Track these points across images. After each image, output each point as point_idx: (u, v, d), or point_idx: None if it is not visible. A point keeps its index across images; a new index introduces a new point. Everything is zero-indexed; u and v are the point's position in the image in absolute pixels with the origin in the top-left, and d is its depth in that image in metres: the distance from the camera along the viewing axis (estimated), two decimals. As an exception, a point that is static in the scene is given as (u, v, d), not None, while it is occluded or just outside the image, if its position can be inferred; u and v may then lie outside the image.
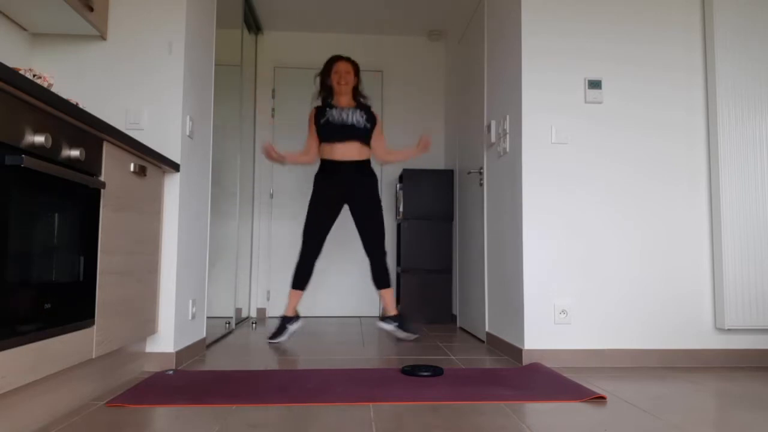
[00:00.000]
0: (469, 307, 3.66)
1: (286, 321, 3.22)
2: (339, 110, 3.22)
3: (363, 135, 3.22)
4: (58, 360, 1.52)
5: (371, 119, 3.27)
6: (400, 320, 3.23)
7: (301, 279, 3.21)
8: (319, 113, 3.27)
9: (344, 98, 3.28)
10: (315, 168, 3.35)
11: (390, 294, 3.27)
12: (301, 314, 4.45)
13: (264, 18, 4.41)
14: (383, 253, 3.23)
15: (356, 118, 3.21)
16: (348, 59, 3.31)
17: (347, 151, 3.19)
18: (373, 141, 3.33)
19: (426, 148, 3.29)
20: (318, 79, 3.36)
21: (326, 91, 3.31)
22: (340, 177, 3.20)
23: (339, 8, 4.24)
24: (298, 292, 3.23)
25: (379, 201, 3.25)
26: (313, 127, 3.30)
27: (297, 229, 4.51)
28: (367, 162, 3.26)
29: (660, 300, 2.62)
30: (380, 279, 3.24)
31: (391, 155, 3.44)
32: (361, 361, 2.58)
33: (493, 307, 3.07)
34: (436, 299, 4.15)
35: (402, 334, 3.21)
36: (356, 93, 3.32)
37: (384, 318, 3.28)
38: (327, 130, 3.20)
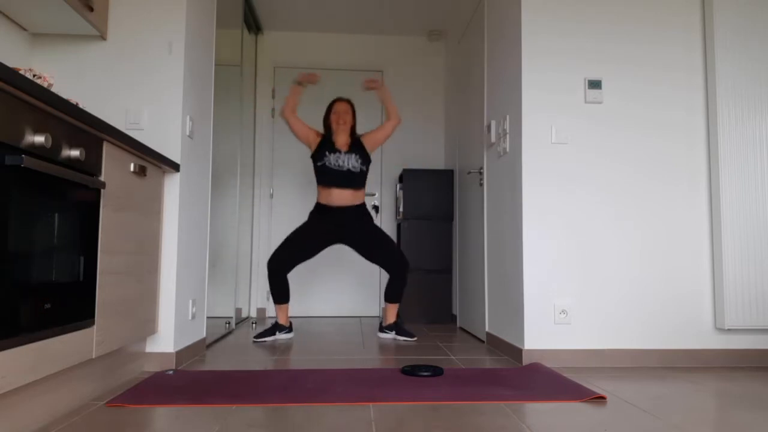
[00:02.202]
0: (469, 307, 3.66)
1: (277, 328, 3.30)
2: (336, 156, 3.33)
3: (358, 180, 3.37)
4: (58, 360, 1.52)
5: (365, 160, 3.40)
6: (396, 327, 3.37)
7: (279, 294, 3.30)
8: (317, 153, 3.37)
9: (342, 138, 3.41)
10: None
11: (393, 309, 3.43)
12: (301, 315, 4.47)
13: (264, 18, 4.41)
14: (404, 267, 3.37)
15: (352, 163, 3.34)
16: (347, 100, 3.48)
17: (342, 198, 3.34)
18: (381, 131, 3.44)
19: (370, 85, 3.40)
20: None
21: (327, 130, 3.47)
22: (336, 221, 3.35)
23: (339, 8, 4.24)
24: (283, 305, 3.33)
25: (377, 228, 3.39)
26: (310, 134, 3.41)
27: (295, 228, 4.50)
28: (361, 205, 3.41)
29: (660, 300, 2.62)
30: (392, 293, 3.40)
31: (388, 121, 3.44)
32: (361, 361, 2.58)
33: (493, 307, 3.07)
34: (436, 299, 4.15)
35: (402, 340, 3.30)
36: (353, 131, 3.46)
37: (382, 329, 3.43)
38: (324, 174, 3.34)
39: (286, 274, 3.29)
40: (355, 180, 3.34)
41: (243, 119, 3.95)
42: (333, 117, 3.41)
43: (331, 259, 4.54)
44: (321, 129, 3.52)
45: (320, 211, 3.38)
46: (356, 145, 3.40)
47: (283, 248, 3.28)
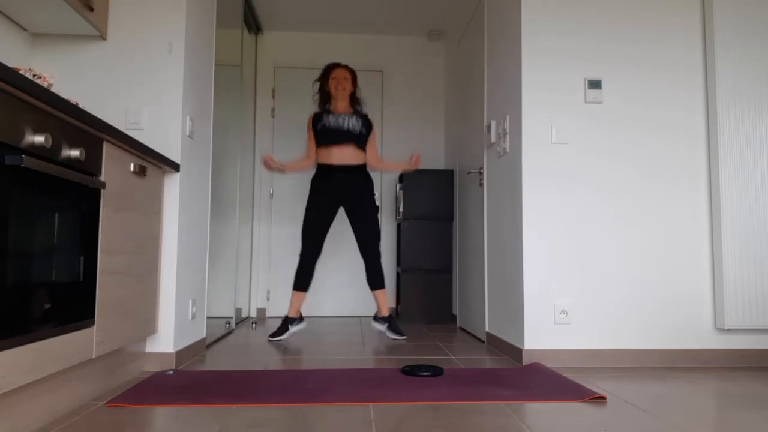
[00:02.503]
0: (469, 307, 3.66)
1: (288, 321, 3.27)
2: (335, 116, 3.29)
3: (358, 140, 3.29)
4: (58, 360, 1.52)
5: (367, 125, 3.35)
6: (390, 321, 3.36)
7: (302, 280, 3.26)
8: (316, 119, 3.35)
9: (341, 104, 3.34)
10: (314, 131, 3.37)
11: (383, 295, 3.37)
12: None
13: (264, 18, 4.41)
14: (377, 255, 3.31)
15: (352, 123, 3.28)
16: (346, 66, 3.38)
17: (343, 156, 3.27)
18: (367, 148, 3.39)
19: (416, 165, 3.34)
20: (316, 85, 3.43)
21: (324, 97, 3.38)
22: (336, 181, 3.28)
23: (339, 8, 4.24)
24: (301, 293, 3.28)
25: (372, 204, 3.31)
26: (312, 132, 3.38)
27: (297, 229, 4.51)
28: (362, 166, 3.34)
29: (660, 300, 2.62)
30: (374, 280, 3.34)
31: (381, 164, 3.50)
32: (361, 361, 2.58)
33: (493, 307, 3.07)
34: (436, 299, 4.15)
35: (392, 335, 3.31)
36: (353, 99, 3.39)
37: (376, 318, 3.42)
38: (323, 134, 3.28)
39: (317, 258, 3.25)
40: (356, 139, 3.27)
41: (243, 119, 3.95)
42: (332, 83, 3.32)
43: (331, 259, 4.54)
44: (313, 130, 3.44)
45: (321, 172, 3.31)
46: (358, 114, 3.34)
47: (305, 237, 3.23)
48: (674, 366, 2.58)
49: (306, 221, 3.27)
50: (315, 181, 3.33)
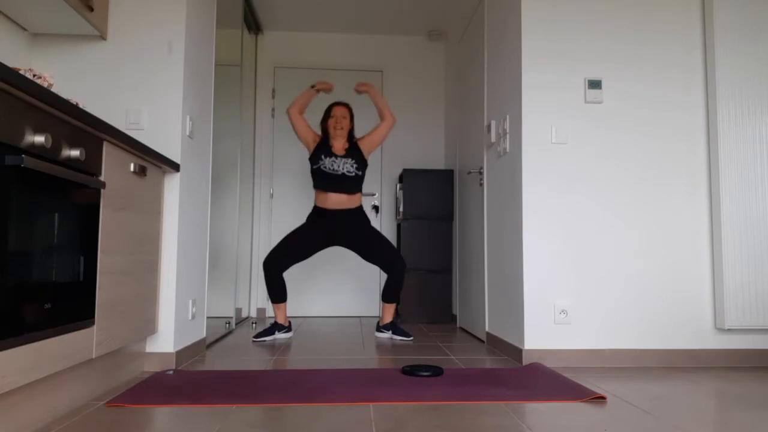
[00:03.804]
0: (469, 307, 3.66)
1: (277, 327, 3.32)
2: (332, 159, 3.36)
3: (353, 185, 3.39)
4: (58, 360, 1.52)
5: (361, 164, 3.42)
6: (392, 327, 3.39)
7: (277, 293, 3.32)
8: (316, 149, 3.41)
9: (338, 142, 3.44)
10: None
11: (390, 308, 3.45)
12: (301, 315, 4.47)
13: (264, 18, 4.41)
14: (402, 268, 3.37)
15: (347, 167, 3.37)
16: (345, 104, 3.51)
17: (339, 201, 3.37)
18: (377, 133, 3.49)
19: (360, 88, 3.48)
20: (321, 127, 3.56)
21: (324, 133, 3.49)
22: (333, 224, 3.38)
23: (339, 8, 4.24)
24: (281, 305, 3.35)
25: (374, 230, 3.41)
26: (309, 135, 3.45)
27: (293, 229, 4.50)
28: (357, 209, 3.43)
29: (660, 300, 2.62)
30: (389, 294, 3.42)
31: (384, 106, 3.50)
32: (361, 361, 2.58)
33: (493, 306, 3.07)
34: (436, 299, 4.15)
35: (398, 339, 3.32)
36: (350, 135, 3.49)
37: (379, 328, 3.45)
38: (319, 178, 3.37)
39: (281, 273, 3.30)
40: (350, 184, 3.37)
41: (243, 119, 3.95)
42: (331, 121, 3.44)
43: (331, 259, 4.54)
44: (319, 131, 3.54)
45: (317, 213, 3.41)
46: (353, 150, 3.42)
47: (279, 248, 3.30)
48: (674, 366, 2.58)
49: (291, 239, 3.32)
50: (312, 217, 3.42)
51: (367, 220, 3.45)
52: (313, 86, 3.47)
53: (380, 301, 3.41)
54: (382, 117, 3.49)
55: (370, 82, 3.54)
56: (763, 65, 2.66)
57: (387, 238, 3.41)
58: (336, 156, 3.37)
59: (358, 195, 3.44)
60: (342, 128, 3.41)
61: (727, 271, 2.56)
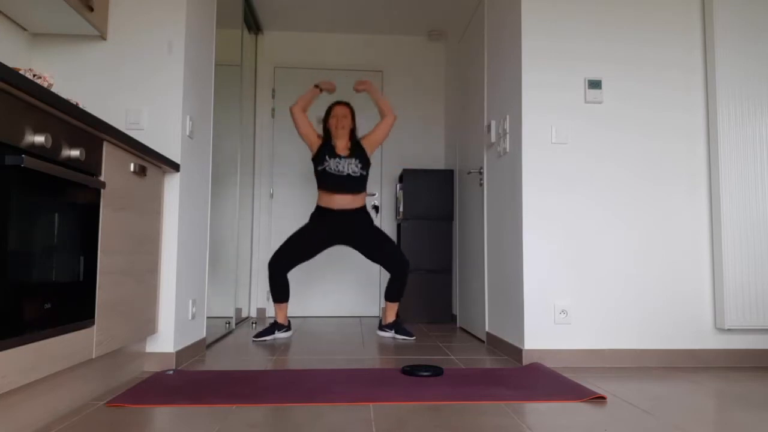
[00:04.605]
0: (469, 307, 3.66)
1: (276, 327, 3.32)
2: (336, 161, 3.36)
3: (358, 185, 3.39)
4: (58, 360, 1.52)
5: (365, 164, 3.42)
6: (395, 326, 3.40)
7: (280, 293, 3.32)
8: (320, 150, 3.40)
9: (341, 142, 3.43)
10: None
11: (393, 308, 3.46)
12: (301, 315, 4.47)
13: (264, 18, 4.41)
14: (405, 267, 3.38)
15: (352, 168, 3.37)
16: (346, 104, 3.50)
17: (343, 202, 3.37)
18: (379, 131, 3.49)
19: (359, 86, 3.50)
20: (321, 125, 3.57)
21: (326, 133, 3.48)
22: (337, 224, 3.38)
23: (339, 8, 4.24)
24: (282, 305, 3.35)
25: (377, 229, 3.42)
26: (312, 135, 3.44)
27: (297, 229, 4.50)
28: (361, 208, 3.43)
29: (660, 300, 2.62)
30: (392, 293, 3.43)
31: (383, 104, 3.50)
32: (361, 361, 2.58)
33: (493, 306, 3.07)
34: (436, 299, 4.15)
35: (401, 339, 3.32)
36: (352, 135, 3.49)
37: (381, 327, 3.46)
38: (324, 179, 3.37)
39: (286, 273, 3.31)
40: (355, 184, 3.37)
41: (243, 119, 3.95)
42: (332, 121, 3.43)
43: (331, 259, 4.54)
44: (320, 131, 3.55)
45: (321, 213, 3.41)
46: (356, 149, 3.42)
47: (284, 249, 3.30)
48: (674, 366, 2.58)
49: (294, 240, 3.32)
50: (315, 216, 3.42)
51: (371, 220, 3.45)
52: (316, 85, 3.47)
53: (382, 300, 3.41)
54: (382, 114, 3.49)
55: (369, 80, 3.54)
56: (763, 65, 2.66)
57: (389, 237, 3.42)
58: (340, 157, 3.37)
59: (362, 195, 3.44)
60: (344, 128, 3.41)
61: (727, 271, 2.56)
